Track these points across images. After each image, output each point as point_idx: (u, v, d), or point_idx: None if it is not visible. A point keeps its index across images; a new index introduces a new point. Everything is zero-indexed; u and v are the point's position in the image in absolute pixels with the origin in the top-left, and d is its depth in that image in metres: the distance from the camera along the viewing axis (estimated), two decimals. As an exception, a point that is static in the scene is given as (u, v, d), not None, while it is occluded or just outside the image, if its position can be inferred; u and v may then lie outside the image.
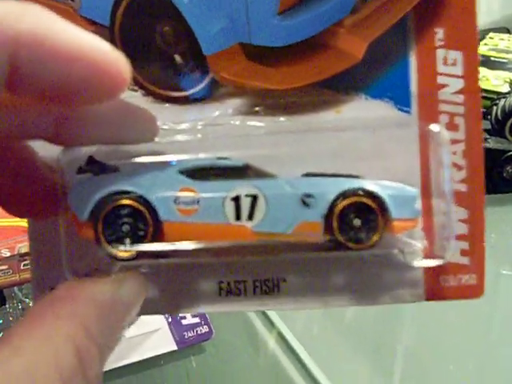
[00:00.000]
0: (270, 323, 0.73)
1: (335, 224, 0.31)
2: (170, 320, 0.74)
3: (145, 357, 0.69)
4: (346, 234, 0.31)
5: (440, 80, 0.33)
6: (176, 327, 0.72)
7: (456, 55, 0.33)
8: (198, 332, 0.72)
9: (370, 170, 0.33)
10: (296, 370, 0.66)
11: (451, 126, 0.33)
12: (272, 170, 0.33)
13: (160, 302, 0.35)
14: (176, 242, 0.31)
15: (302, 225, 0.31)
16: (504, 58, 1.23)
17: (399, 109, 0.33)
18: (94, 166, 0.32)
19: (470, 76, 0.33)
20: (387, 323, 0.69)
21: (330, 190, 0.31)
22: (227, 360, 0.70)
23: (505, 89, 1.12)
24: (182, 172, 0.31)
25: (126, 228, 0.31)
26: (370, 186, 0.31)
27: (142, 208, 0.30)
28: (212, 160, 0.32)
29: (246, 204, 0.31)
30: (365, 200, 0.31)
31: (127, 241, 0.31)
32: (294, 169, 0.32)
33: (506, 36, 1.32)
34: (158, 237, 0.31)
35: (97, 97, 0.25)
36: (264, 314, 0.74)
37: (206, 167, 0.32)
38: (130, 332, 0.65)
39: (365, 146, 0.34)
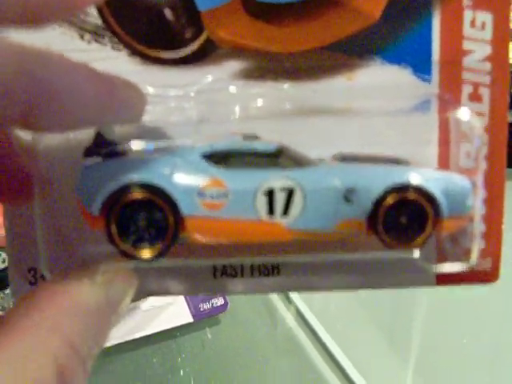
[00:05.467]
0: (286, 294, 0.74)
1: (380, 224, 0.28)
2: (186, 292, 0.75)
3: (161, 329, 0.69)
4: (391, 234, 0.28)
5: (466, 45, 0.29)
6: (192, 299, 0.73)
7: (485, 17, 0.29)
8: (214, 304, 0.73)
9: (384, 145, 0.30)
10: (311, 342, 0.66)
11: (474, 97, 0.30)
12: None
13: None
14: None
15: (344, 222, 0.28)
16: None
17: (418, 76, 0.30)
18: (103, 147, 0.28)
19: (500, 42, 0.29)
20: (404, 298, 0.69)
21: (375, 184, 0.28)
22: (242, 332, 0.72)
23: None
24: (205, 156, 0.28)
25: (143, 225, 0.27)
26: (419, 179, 0.28)
27: (160, 202, 0.27)
28: (239, 143, 0.28)
29: (280, 198, 0.28)
30: (414, 197, 0.28)
31: (146, 240, 0.27)
32: (297, 146, 0.29)
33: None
34: (179, 234, 0.28)
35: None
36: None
37: (232, 151, 0.28)
38: (146, 304, 0.69)
39: (378, 118, 0.30)
